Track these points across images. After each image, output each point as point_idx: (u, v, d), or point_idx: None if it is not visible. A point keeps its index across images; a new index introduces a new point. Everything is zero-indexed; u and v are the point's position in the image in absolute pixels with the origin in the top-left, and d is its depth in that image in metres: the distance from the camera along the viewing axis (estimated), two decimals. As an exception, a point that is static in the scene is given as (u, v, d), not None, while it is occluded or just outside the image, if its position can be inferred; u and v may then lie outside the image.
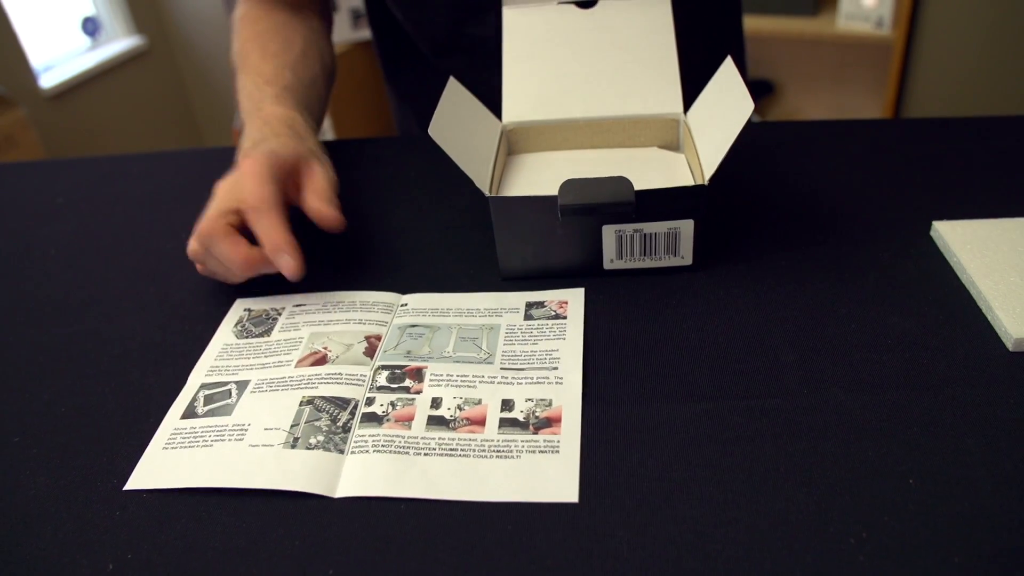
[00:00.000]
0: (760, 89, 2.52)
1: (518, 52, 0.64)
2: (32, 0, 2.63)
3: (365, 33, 2.42)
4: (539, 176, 0.59)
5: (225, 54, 2.87)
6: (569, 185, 0.51)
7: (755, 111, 2.50)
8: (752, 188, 0.66)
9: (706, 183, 0.51)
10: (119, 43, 2.89)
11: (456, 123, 0.55)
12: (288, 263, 0.53)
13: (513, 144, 0.63)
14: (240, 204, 0.56)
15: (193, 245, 0.56)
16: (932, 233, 0.59)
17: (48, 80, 2.62)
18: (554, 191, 0.51)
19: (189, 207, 0.73)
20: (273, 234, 0.53)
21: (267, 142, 0.61)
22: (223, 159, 0.82)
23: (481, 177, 0.52)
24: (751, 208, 0.63)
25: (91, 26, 2.83)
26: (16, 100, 2.33)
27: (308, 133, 0.66)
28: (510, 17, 0.65)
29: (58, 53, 2.73)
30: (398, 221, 0.66)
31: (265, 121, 0.65)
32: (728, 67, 0.55)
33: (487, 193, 0.52)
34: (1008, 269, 0.53)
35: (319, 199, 0.58)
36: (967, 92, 2.22)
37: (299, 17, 0.81)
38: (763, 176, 0.67)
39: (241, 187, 0.56)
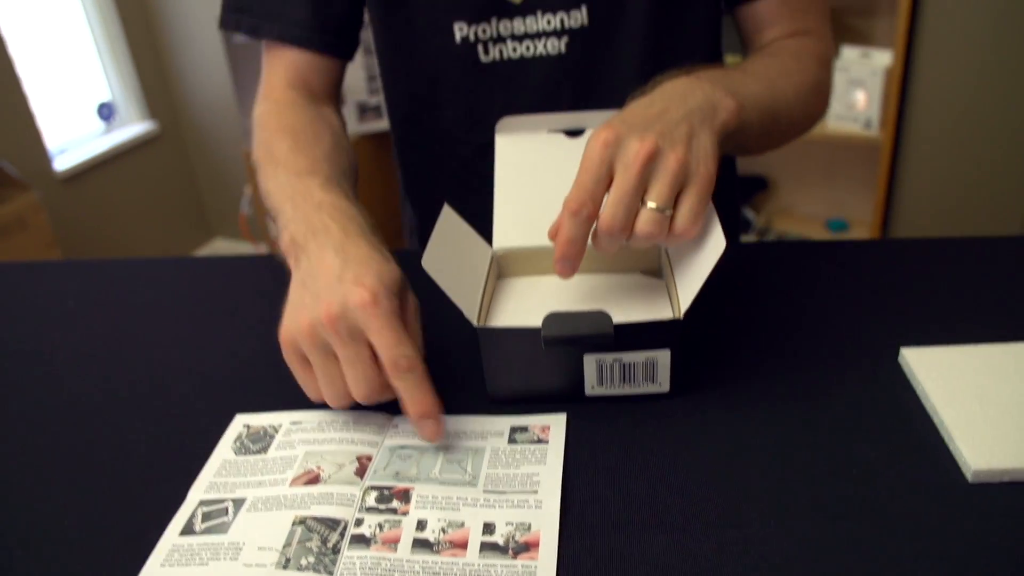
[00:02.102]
0: (754, 185, 2.59)
1: (510, 178, 0.69)
2: (51, 84, 2.73)
3: (372, 126, 2.50)
4: (526, 303, 0.63)
5: (233, 140, 2.96)
6: (552, 318, 0.54)
7: (749, 207, 2.56)
8: (729, 312, 0.69)
9: (681, 317, 0.54)
10: (132, 128, 2.98)
11: (449, 253, 0.58)
12: (432, 429, 0.54)
13: (503, 267, 0.67)
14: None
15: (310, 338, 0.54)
16: (900, 359, 0.62)
17: (62, 163, 2.70)
18: (539, 320, 0.55)
19: (195, 318, 0.76)
20: (421, 397, 0.53)
21: (339, 238, 0.58)
22: (231, 269, 0.86)
23: (470, 307, 0.56)
24: (727, 333, 0.66)
25: (106, 111, 2.93)
26: (30, 183, 2.40)
27: (372, 229, 0.62)
28: (503, 144, 0.70)
29: (73, 136, 2.81)
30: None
31: (318, 206, 0.61)
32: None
33: (475, 324, 0.56)
34: (970, 398, 0.56)
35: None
36: (953, 190, 2.29)
37: (321, 112, 0.83)
38: (741, 300, 0.71)
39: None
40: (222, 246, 3.29)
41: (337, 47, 0.87)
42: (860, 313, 0.68)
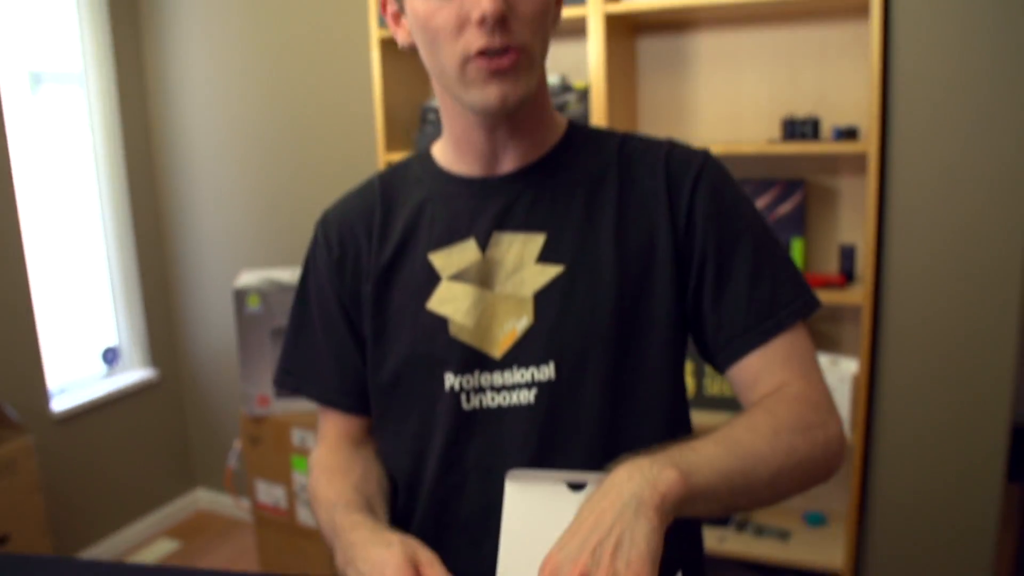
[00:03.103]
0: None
1: (515, 525, 0.76)
2: (62, 325, 2.84)
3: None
4: None
5: (230, 397, 3.06)
6: None
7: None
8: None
9: None
10: (133, 374, 3.07)
11: None
12: None
13: None
14: None
15: None
16: None
17: (59, 404, 2.75)
18: None
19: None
20: None
21: (356, 557, 0.79)
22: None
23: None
24: None
25: (111, 356, 3.03)
26: (26, 426, 2.44)
27: (383, 523, 0.85)
28: (512, 491, 0.78)
29: (74, 378, 2.88)
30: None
31: (340, 531, 0.84)
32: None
33: None
34: None
35: None
36: (924, 487, 2.38)
37: (358, 451, 1.00)
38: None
39: None
40: (203, 497, 3.28)
41: (366, 408, 1.02)
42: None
